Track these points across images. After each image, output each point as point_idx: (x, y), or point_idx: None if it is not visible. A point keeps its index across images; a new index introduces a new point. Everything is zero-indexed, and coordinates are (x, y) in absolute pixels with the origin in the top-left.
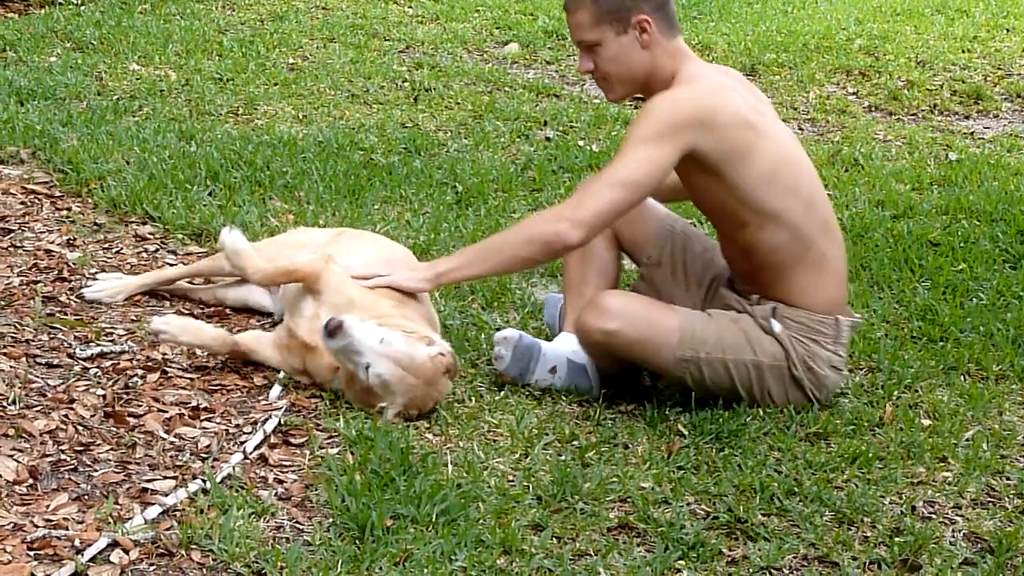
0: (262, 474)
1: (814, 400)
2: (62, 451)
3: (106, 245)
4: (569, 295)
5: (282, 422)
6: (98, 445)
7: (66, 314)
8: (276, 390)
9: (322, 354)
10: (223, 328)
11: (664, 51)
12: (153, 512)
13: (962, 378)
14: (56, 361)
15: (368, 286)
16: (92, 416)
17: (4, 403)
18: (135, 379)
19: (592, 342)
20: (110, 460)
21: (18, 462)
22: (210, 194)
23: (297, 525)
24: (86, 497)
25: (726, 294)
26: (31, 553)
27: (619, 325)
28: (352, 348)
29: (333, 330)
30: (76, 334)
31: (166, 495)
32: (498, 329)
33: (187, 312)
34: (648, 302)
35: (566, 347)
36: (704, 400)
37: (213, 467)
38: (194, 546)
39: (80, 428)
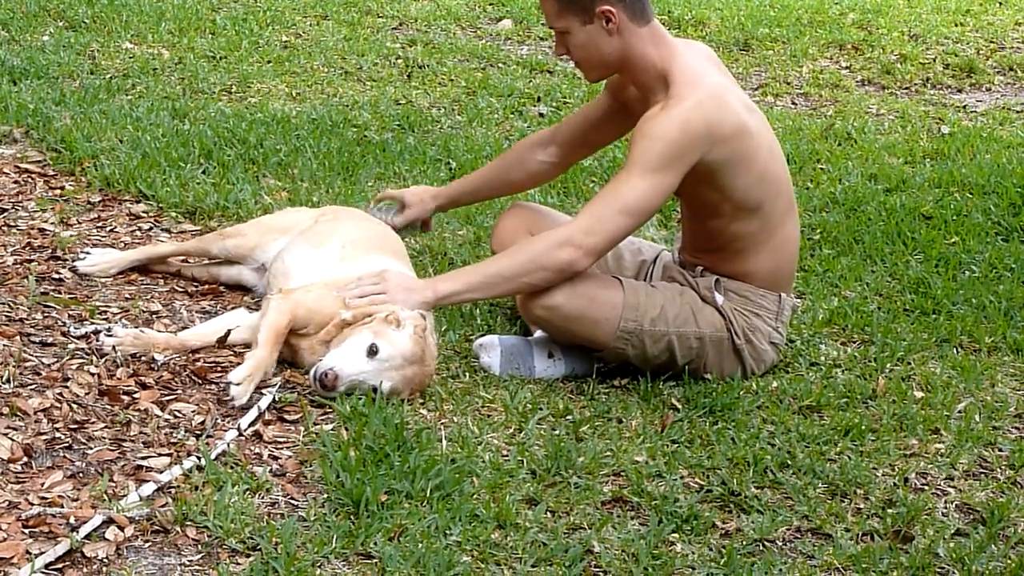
0: (257, 451)
1: (747, 372)
2: (57, 429)
3: (100, 224)
4: None
5: (276, 399)
6: (92, 423)
7: (60, 292)
8: None
9: (305, 351)
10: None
11: (637, 37)
12: (148, 489)
13: (954, 350)
14: (50, 339)
15: (362, 304)
16: (86, 394)
17: None
18: (130, 356)
19: (535, 317)
20: (105, 438)
21: (13, 440)
22: (204, 172)
23: (292, 501)
24: (81, 475)
25: (670, 266)
26: (26, 531)
27: (560, 299)
28: (355, 382)
29: (331, 383)
30: (70, 312)
31: (161, 472)
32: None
33: (181, 289)
34: (591, 276)
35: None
36: (697, 374)
37: (208, 444)
38: (189, 523)
39: (74, 406)
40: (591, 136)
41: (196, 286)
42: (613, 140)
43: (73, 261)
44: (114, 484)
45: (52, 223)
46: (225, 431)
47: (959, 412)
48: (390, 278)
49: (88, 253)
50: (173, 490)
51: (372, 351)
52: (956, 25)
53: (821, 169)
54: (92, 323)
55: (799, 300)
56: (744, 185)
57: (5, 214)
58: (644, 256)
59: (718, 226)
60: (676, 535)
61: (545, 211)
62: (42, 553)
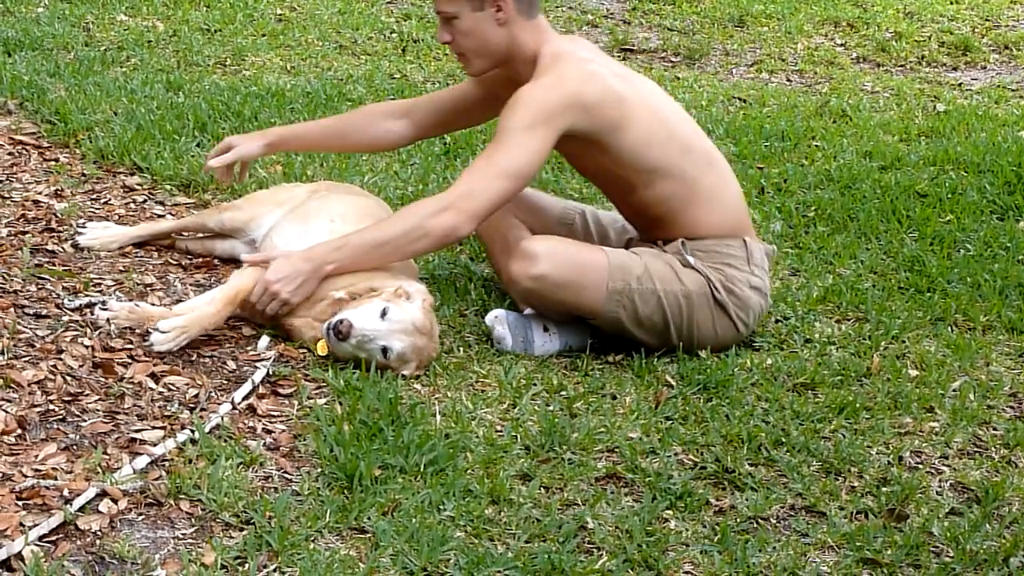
0: (250, 424)
1: (741, 325)
2: (51, 401)
3: (94, 196)
4: (497, 258)
5: (270, 372)
6: (86, 395)
7: (54, 265)
8: (264, 341)
9: (303, 328)
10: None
11: (522, 29)
12: (142, 462)
13: (949, 329)
14: (44, 312)
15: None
16: (81, 366)
17: None
18: (124, 329)
19: (523, 290)
20: (99, 410)
21: (7, 412)
22: (198, 145)
23: (286, 475)
24: (75, 447)
25: (637, 244)
26: (20, 503)
27: (546, 268)
28: (365, 339)
29: (345, 332)
30: (64, 284)
31: (155, 445)
32: (486, 312)
33: (175, 262)
34: (574, 243)
35: None
36: (691, 349)
37: (202, 417)
38: (183, 496)
39: (69, 378)
40: (452, 119)
41: (190, 259)
42: (474, 125)
43: (74, 235)
44: (108, 457)
45: (46, 195)
46: (219, 404)
47: (954, 391)
48: (272, 276)
49: (84, 226)
50: (167, 463)
51: (384, 313)
52: (951, 3)
53: (816, 146)
54: (86, 295)
55: (794, 276)
56: (632, 148)
57: None
58: (630, 234)
59: (640, 198)
60: (670, 512)
61: (530, 192)
62: (36, 525)
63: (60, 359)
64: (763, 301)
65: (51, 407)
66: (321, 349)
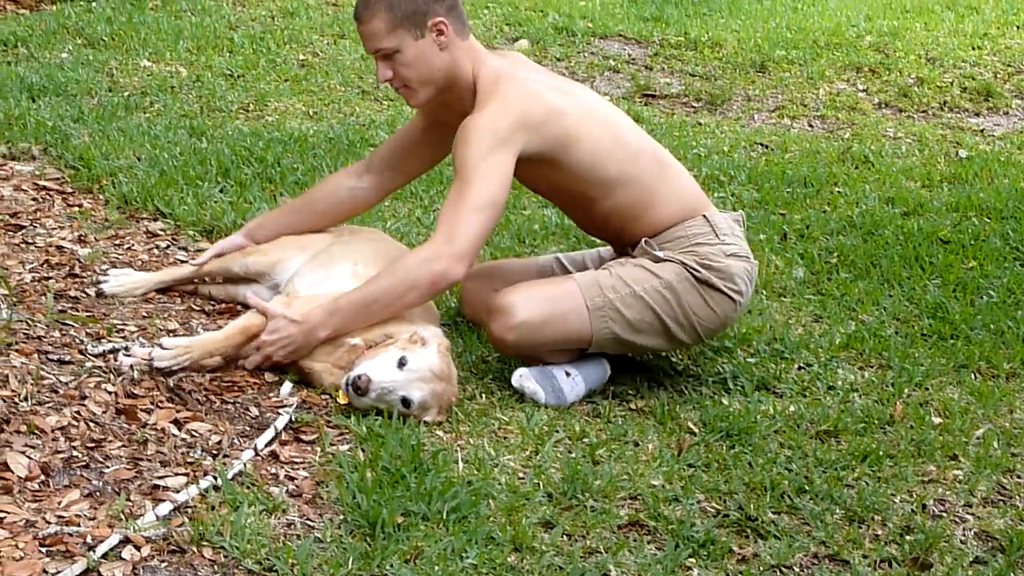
0: (273, 471)
1: (734, 295)
2: (74, 447)
3: (117, 241)
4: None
5: (293, 419)
6: (110, 442)
7: (78, 310)
8: (287, 387)
9: (323, 373)
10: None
11: (460, 51)
12: (164, 509)
13: (973, 376)
14: (68, 358)
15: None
16: (104, 412)
17: (16, 399)
18: (147, 375)
19: (511, 344)
20: (122, 457)
21: (30, 458)
22: (221, 191)
23: (308, 522)
24: (98, 494)
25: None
26: (43, 549)
27: (523, 314)
28: (385, 392)
29: (364, 387)
30: (88, 331)
31: (177, 492)
32: (507, 359)
33: (198, 308)
34: (538, 281)
35: None
36: (715, 396)
37: (224, 464)
38: (205, 543)
39: (92, 424)
40: (407, 157)
41: (213, 305)
42: (430, 166)
43: (96, 284)
44: (131, 503)
45: (70, 240)
46: (241, 451)
47: (977, 438)
48: (267, 337)
49: (108, 272)
50: (190, 510)
51: (402, 362)
52: (973, 48)
53: (838, 192)
54: (109, 341)
55: (816, 322)
56: (588, 160)
57: (23, 231)
58: (607, 260)
59: (601, 210)
60: (693, 560)
61: (503, 264)
62: (59, 572)
63: (83, 405)
64: (747, 265)
65: (74, 453)
66: (342, 398)
